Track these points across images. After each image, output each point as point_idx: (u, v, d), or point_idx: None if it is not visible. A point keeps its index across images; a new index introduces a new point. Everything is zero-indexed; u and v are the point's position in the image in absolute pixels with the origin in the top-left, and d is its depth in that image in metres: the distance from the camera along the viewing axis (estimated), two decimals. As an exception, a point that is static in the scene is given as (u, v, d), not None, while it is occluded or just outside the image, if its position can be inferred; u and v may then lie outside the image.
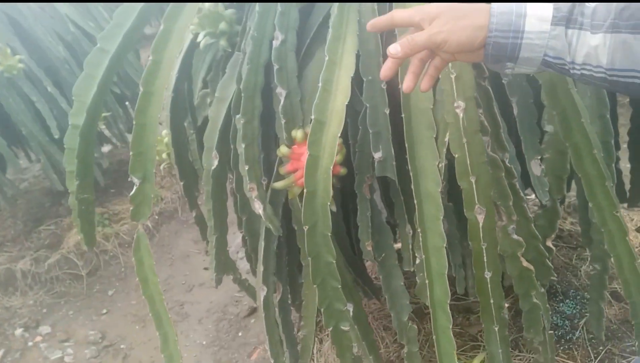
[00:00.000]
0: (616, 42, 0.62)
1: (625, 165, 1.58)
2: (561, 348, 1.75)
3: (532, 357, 1.71)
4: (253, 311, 2.38)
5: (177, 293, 2.57)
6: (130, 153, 1.03)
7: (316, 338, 1.82)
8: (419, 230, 1.01)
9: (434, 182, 1.00)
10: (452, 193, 1.18)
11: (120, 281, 2.71)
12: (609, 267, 1.33)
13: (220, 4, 1.21)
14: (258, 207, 1.12)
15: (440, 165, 1.01)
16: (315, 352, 1.92)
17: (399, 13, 0.76)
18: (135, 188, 1.06)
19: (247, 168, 1.09)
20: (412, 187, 1.01)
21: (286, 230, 1.26)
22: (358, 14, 1.04)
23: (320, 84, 0.97)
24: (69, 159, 1.13)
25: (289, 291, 1.40)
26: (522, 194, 1.12)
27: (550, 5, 0.67)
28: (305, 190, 0.95)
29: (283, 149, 1.07)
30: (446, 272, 1.01)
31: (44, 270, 2.67)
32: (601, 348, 1.73)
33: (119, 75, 2.82)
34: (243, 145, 1.10)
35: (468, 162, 0.97)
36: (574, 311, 1.85)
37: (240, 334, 2.28)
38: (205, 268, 2.73)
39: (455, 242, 1.37)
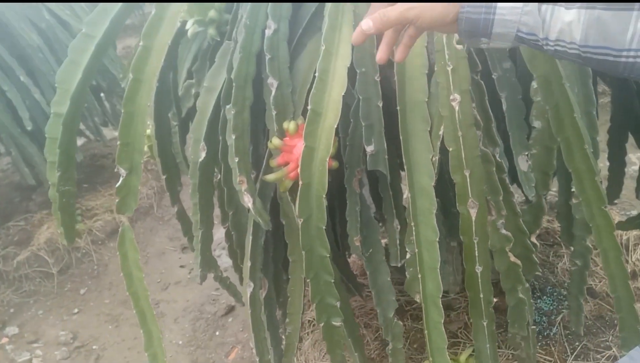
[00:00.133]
0: (590, 19, 0.61)
1: (603, 164, 1.62)
2: (539, 344, 1.78)
3: (512, 353, 1.74)
4: (231, 310, 2.34)
5: (152, 291, 2.51)
6: (118, 142, 1.00)
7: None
8: (412, 224, 1.00)
9: (427, 176, 0.99)
10: (439, 189, 1.18)
11: (92, 279, 2.64)
12: (590, 263, 1.36)
13: (210, -8, 1.19)
14: (247, 201, 1.09)
15: (434, 159, 1.01)
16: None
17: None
18: (121, 179, 1.02)
19: (237, 160, 1.07)
20: (406, 180, 1.01)
21: (273, 225, 1.24)
22: (353, 4, 1.03)
23: (316, 74, 0.95)
24: (50, 149, 1.09)
25: (273, 288, 1.38)
26: (511, 189, 1.13)
27: None
28: (300, 182, 0.93)
29: (275, 141, 1.05)
30: (438, 266, 1.00)
31: (13, 268, 2.58)
32: (577, 343, 1.77)
33: (94, 66, 2.74)
34: (233, 137, 1.07)
35: (463, 155, 0.97)
36: (551, 307, 1.88)
37: (217, 333, 2.24)
38: (182, 266, 2.68)
39: (441, 238, 1.38)
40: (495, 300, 1.16)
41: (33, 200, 3.01)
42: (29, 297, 2.53)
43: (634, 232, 2.10)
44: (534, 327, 1.34)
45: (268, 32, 1.08)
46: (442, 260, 1.43)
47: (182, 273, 2.63)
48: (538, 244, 1.27)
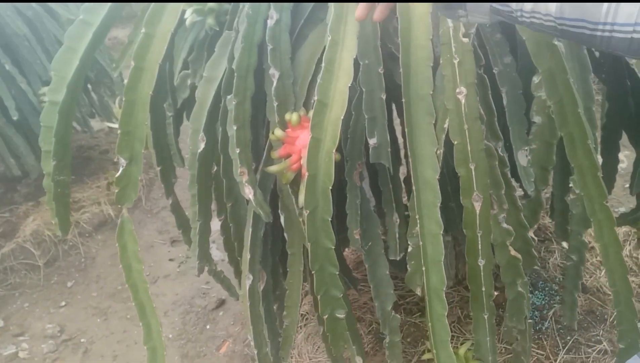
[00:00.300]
0: None
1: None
2: (531, 338, 1.80)
3: (505, 347, 1.75)
4: (221, 303, 2.33)
5: (141, 285, 2.48)
6: (119, 131, 0.97)
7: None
8: (417, 216, 0.99)
9: (432, 169, 0.99)
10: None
11: (80, 272, 2.60)
12: (585, 258, 1.37)
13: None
14: (248, 192, 1.08)
15: (438, 152, 1.00)
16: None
17: None
18: (121, 169, 1.00)
19: (238, 151, 1.05)
20: (411, 173, 1.00)
21: (272, 217, 1.23)
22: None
23: (323, 64, 0.94)
24: (45, 138, 1.06)
25: (271, 280, 1.37)
26: (512, 183, 1.13)
27: None
28: (306, 174, 0.92)
29: (278, 132, 1.04)
30: (442, 259, 1.00)
31: (-3, 260, 2.53)
32: (569, 338, 1.79)
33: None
34: (234, 128, 1.06)
35: (468, 148, 0.96)
36: (543, 302, 1.90)
37: (208, 327, 2.22)
38: (171, 260, 2.65)
39: (439, 231, 1.38)
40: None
41: (18, 192, 2.95)
42: (15, 290, 2.48)
43: (623, 229, 2.12)
44: (530, 320, 1.35)
45: (270, 22, 1.06)
46: (439, 254, 1.44)
47: (172, 267, 2.60)
48: (535, 238, 1.28)
